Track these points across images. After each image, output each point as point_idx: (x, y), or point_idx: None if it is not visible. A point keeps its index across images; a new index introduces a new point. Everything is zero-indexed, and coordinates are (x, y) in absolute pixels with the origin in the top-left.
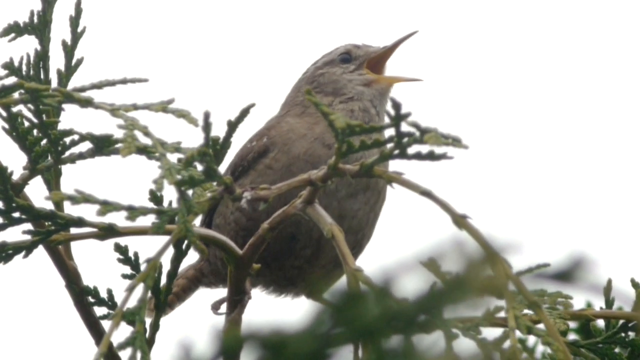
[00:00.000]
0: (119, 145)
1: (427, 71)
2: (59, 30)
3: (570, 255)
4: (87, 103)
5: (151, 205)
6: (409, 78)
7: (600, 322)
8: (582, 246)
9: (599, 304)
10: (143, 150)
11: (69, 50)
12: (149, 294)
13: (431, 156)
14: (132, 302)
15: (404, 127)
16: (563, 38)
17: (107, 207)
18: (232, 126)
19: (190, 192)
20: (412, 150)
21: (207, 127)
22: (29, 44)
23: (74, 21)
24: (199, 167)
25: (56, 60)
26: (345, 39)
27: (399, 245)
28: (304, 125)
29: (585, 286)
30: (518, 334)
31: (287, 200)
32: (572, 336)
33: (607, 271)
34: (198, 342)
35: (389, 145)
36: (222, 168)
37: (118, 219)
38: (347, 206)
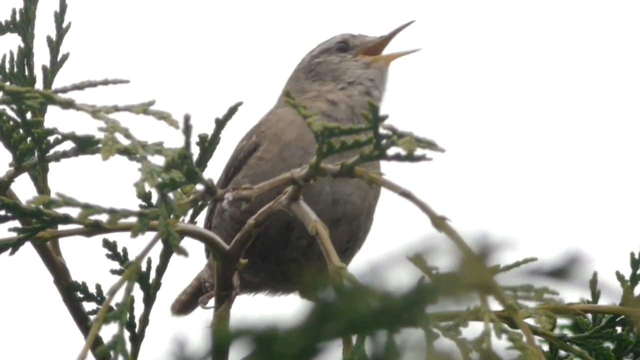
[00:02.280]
0: (101, 145)
1: (423, 64)
2: (44, 27)
3: (565, 252)
4: (68, 105)
5: (139, 202)
6: (406, 51)
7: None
8: (577, 243)
9: (587, 300)
10: (125, 152)
11: (54, 46)
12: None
13: (410, 157)
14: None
15: (382, 130)
16: (558, 34)
17: (88, 210)
18: (220, 124)
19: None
20: (391, 151)
21: (187, 130)
22: (12, 42)
23: (59, 17)
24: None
25: (41, 57)
26: (339, 30)
27: (383, 245)
28: (293, 111)
29: (580, 283)
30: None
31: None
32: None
33: (600, 267)
34: (191, 338)
35: (369, 146)
36: (213, 166)
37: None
38: (340, 190)
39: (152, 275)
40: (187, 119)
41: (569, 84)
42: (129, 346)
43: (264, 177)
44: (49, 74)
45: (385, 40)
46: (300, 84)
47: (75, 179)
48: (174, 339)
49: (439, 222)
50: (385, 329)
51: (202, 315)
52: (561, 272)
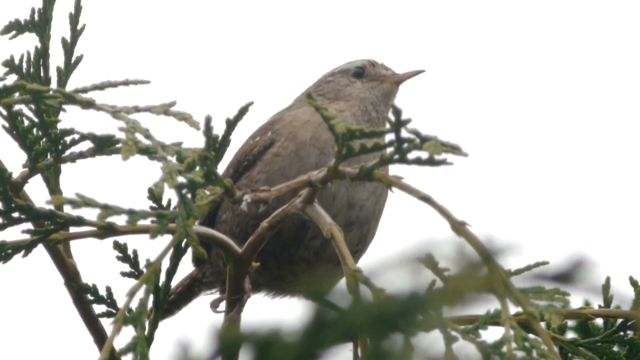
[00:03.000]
0: (120, 145)
1: (431, 71)
2: (60, 28)
3: (570, 256)
4: (88, 105)
5: (151, 204)
6: (411, 73)
7: (599, 321)
8: (581, 247)
9: (598, 304)
10: (145, 151)
11: (68, 47)
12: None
13: (431, 161)
14: (133, 303)
15: (404, 133)
16: (565, 39)
17: (107, 210)
18: (231, 125)
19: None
20: (412, 155)
21: (208, 131)
22: (29, 42)
23: (74, 19)
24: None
25: (56, 58)
26: (366, 51)
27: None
28: (307, 112)
29: (585, 288)
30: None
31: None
32: (571, 335)
33: (607, 271)
34: (196, 341)
35: (389, 150)
36: (222, 167)
37: (117, 216)
38: (357, 195)
39: (162, 278)
40: (208, 120)
41: (581, 91)
42: None
43: (280, 174)
44: (63, 75)
45: (396, 82)
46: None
47: (87, 182)
48: (179, 342)
49: (459, 227)
50: (385, 334)
51: (208, 318)
52: (566, 276)
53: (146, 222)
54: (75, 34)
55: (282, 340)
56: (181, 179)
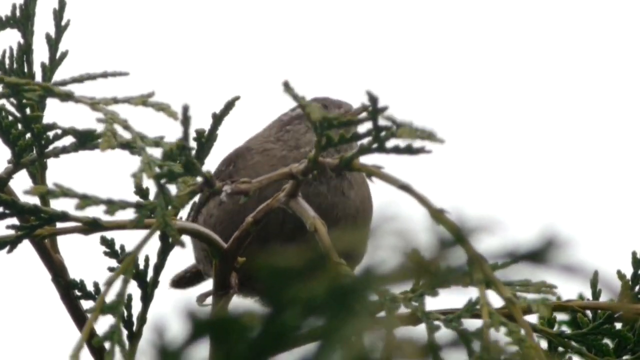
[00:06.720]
0: (101, 140)
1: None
2: (43, 24)
3: (542, 234)
4: (67, 97)
5: (136, 198)
6: (359, 110)
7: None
8: (554, 225)
9: (573, 285)
10: (125, 145)
11: (53, 43)
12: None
13: (409, 150)
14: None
15: (381, 121)
16: (556, 32)
17: (86, 201)
18: (217, 119)
19: (172, 186)
20: (390, 144)
21: (185, 120)
22: (12, 38)
23: (58, 14)
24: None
25: (41, 54)
26: (320, 91)
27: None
28: (267, 159)
29: (558, 266)
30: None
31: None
32: (563, 329)
33: (592, 257)
34: (172, 325)
35: (367, 139)
36: (210, 162)
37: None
38: (318, 197)
39: (150, 273)
40: (185, 109)
41: (563, 78)
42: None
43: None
44: (48, 71)
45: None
46: (270, 131)
47: (74, 177)
48: (154, 327)
49: (437, 215)
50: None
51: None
52: (538, 255)
53: (127, 214)
54: (60, 29)
55: (241, 322)
56: (159, 169)
